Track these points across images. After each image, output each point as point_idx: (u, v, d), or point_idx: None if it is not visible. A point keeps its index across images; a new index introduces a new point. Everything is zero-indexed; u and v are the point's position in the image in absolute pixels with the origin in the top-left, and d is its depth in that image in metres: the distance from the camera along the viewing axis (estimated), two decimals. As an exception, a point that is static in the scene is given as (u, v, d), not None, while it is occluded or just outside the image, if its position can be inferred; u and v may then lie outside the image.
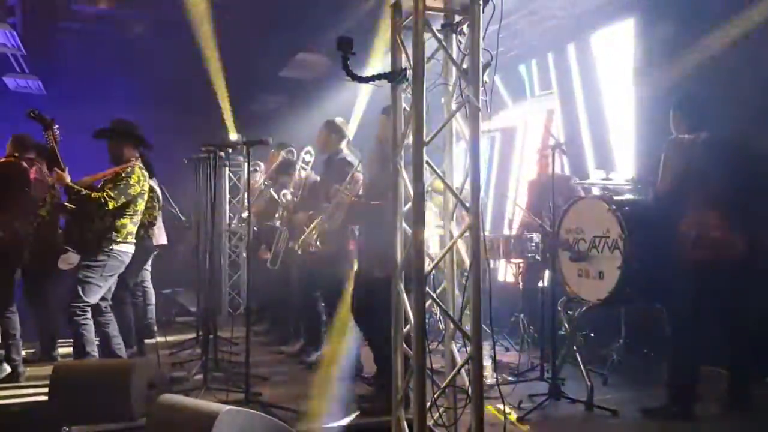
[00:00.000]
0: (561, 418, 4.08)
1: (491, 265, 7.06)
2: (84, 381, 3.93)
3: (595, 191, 4.83)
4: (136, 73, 9.43)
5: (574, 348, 4.51)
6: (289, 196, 5.39)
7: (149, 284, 6.18)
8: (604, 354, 5.34)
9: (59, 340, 5.77)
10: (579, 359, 4.41)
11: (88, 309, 4.65)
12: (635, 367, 5.17)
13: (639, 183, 4.56)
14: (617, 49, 6.25)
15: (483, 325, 3.07)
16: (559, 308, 4.63)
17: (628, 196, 4.53)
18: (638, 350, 5.30)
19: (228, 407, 3.27)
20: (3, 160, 5.21)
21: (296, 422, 3.79)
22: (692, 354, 3.96)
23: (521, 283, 6.03)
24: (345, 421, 3.96)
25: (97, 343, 4.76)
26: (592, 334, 5.44)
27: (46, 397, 3.88)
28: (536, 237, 5.50)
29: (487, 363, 4.57)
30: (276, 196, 5.80)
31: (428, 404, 3.13)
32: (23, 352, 5.40)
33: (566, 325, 4.61)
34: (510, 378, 4.91)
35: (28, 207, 5.20)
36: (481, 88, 3.24)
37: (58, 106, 9.00)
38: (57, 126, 4.60)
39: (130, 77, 9.44)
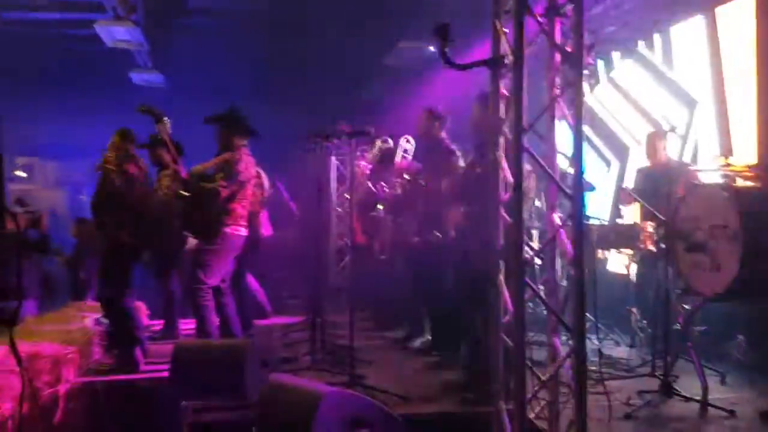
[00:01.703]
0: (672, 417, 3.89)
1: (602, 256, 6.82)
2: (202, 359, 4.19)
3: (714, 178, 4.54)
4: (249, 65, 9.85)
5: (689, 344, 4.29)
6: (387, 189, 5.45)
7: (248, 271, 6.43)
8: (722, 351, 5.03)
9: (182, 319, 6.16)
10: (694, 356, 4.19)
11: (209, 290, 4.93)
12: (757, 367, 4.82)
13: (762, 170, 4.25)
14: (740, 27, 5.81)
15: (592, 318, 2.97)
16: (673, 301, 4.41)
17: (750, 184, 4.23)
18: (761, 348, 4.95)
19: (333, 389, 3.39)
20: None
21: (397, 406, 3.86)
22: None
23: (633, 275, 5.78)
24: (446, 408, 3.99)
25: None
26: (710, 330, 5.13)
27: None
28: (650, 226, 5.26)
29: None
30: (373, 189, 5.86)
31: (528, 397, 3.10)
32: (150, 330, 5.85)
33: (681, 320, 4.39)
34: (619, 373, 4.74)
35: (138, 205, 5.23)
36: (584, 71, 3.15)
37: (178, 99, 9.61)
38: (167, 119, 4.86)
39: (245, 69, 9.86)
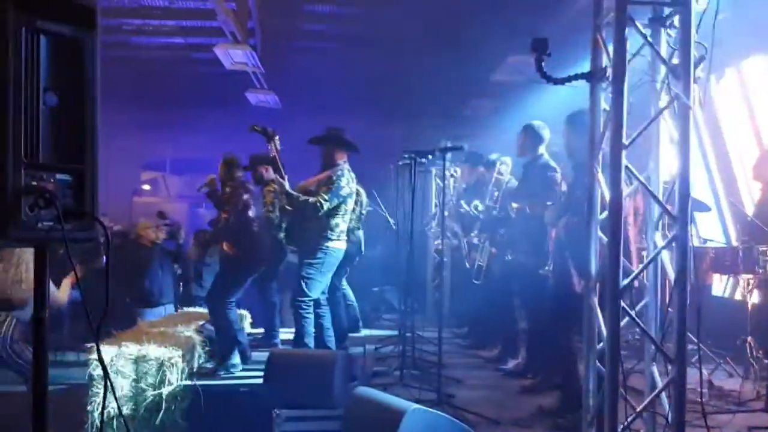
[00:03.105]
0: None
1: (720, 281, 6.36)
2: (293, 368, 4.30)
3: None
4: (358, 84, 10.08)
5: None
6: (480, 207, 5.34)
7: (346, 285, 6.51)
8: None
9: (282, 329, 6.34)
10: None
11: (312, 303, 5.09)
12: None
13: None
14: None
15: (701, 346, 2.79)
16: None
17: None
18: None
19: (416, 406, 3.37)
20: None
21: (486, 429, 3.76)
22: None
23: (749, 301, 5.34)
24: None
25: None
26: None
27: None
28: (771, 249, 4.86)
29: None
30: (467, 207, 5.77)
31: (621, 427, 2.94)
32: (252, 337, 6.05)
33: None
34: (729, 407, 4.38)
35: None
36: (693, 85, 2.99)
37: (291, 118, 10.00)
38: (278, 137, 5.09)
39: (353, 88, 10.11)
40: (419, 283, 7.36)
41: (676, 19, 3.07)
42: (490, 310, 5.97)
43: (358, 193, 5.81)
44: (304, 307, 5.04)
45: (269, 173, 5.78)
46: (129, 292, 7.31)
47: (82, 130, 1.95)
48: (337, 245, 5.18)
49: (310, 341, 5.12)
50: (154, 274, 7.28)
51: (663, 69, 3.16)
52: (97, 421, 3.98)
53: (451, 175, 6.53)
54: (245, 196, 5.36)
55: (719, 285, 6.36)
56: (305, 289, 5.01)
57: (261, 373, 4.42)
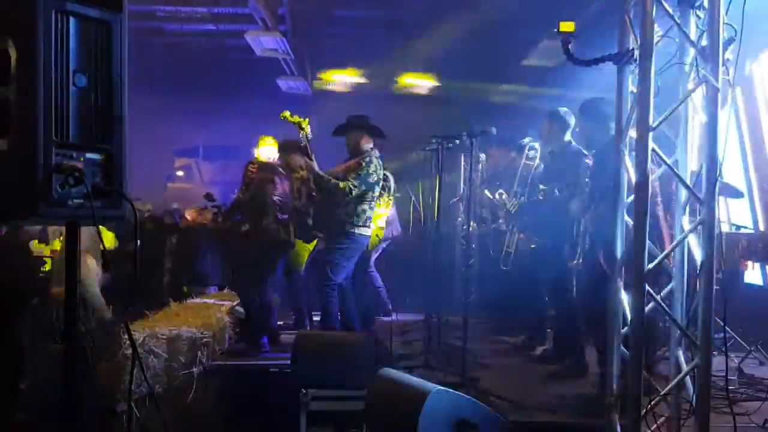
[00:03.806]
0: (818, 445, 3.50)
1: (753, 268, 6.24)
2: (319, 350, 4.37)
3: None
4: (387, 70, 10.07)
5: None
6: (504, 195, 5.33)
7: (374, 269, 6.55)
8: None
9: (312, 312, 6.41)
10: None
11: (336, 287, 5.17)
12: None
13: None
14: None
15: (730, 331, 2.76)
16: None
17: None
18: None
19: (439, 387, 3.40)
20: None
21: (511, 412, 3.77)
22: None
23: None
24: (561, 418, 3.84)
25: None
26: None
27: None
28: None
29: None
30: (491, 196, 5.74)
31: (643, 411, 2.93)
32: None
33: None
34: (758, 394, 4.32)
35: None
36: (722, 67, 2.94)
37: (322, 105, 10.05)
38: (308, 126, 5.15)
39: (381, 74, 10.11)
40: (446, 269, 7.36)
41: (705, 0, 3.01)
42: (517, 296, 5.95)
43: (386, 179, 5.83)
44: (329, 290, 5.13)
45: (298, 159, 5.84)
46: (182, 273, 7.67)
47: (110, 110, 2.01)
48: (363, 231, 5.24)
49: (336, 323, 5.20)
50: (203, 256, 7.63)
51: (692, 51, 3.11)
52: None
53: (479, 161, 6.49)
54: (261, 174, 5.45)
55: (752, 272, 6.23)
56: (330, 274, 5.08)
57: (288, 356, 4.50)
